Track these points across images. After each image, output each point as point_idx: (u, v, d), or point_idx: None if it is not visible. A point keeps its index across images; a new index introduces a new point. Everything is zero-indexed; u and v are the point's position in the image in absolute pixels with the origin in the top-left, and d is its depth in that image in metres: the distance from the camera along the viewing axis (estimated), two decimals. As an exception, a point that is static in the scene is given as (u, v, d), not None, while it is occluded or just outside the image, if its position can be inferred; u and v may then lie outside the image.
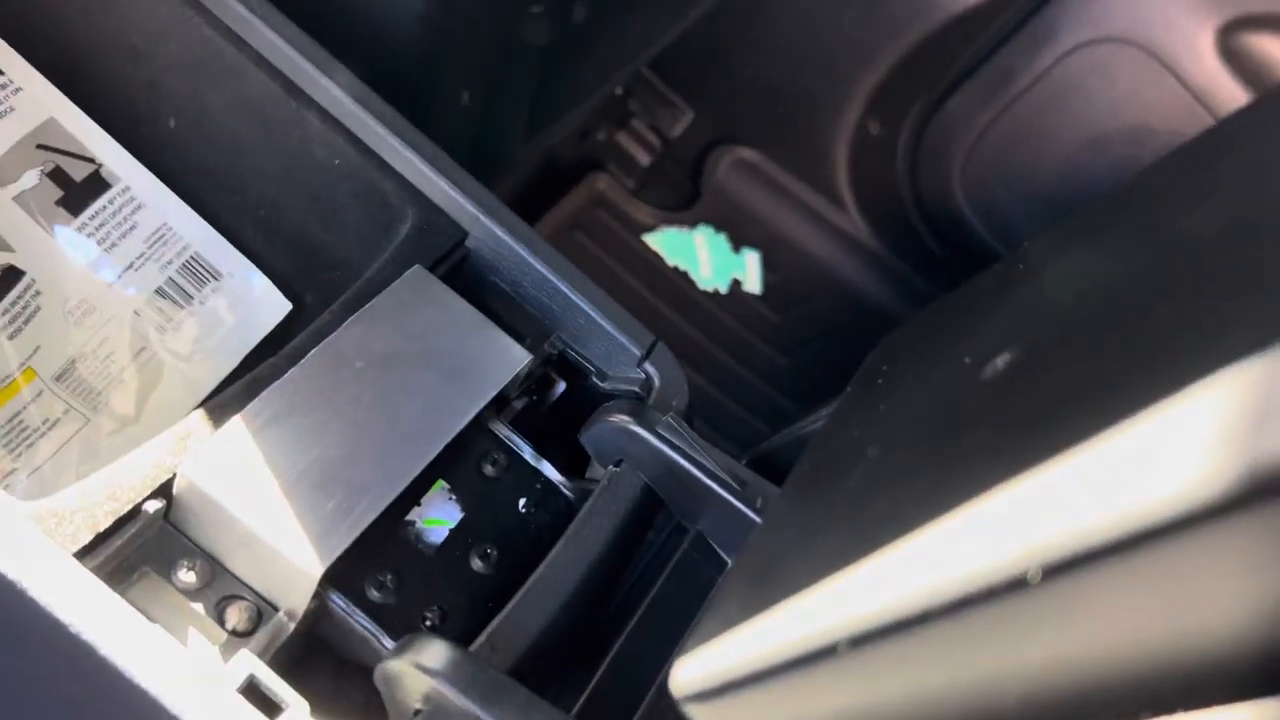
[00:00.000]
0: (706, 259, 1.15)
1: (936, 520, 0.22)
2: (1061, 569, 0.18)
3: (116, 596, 0.34)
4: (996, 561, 0.19)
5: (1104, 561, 0.18)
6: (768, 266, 1.17)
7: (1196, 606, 0.16)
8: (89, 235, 0.50)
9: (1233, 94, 0.90)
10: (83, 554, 0.37)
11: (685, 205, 1.17)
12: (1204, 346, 0.20)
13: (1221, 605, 0.16)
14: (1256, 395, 0.18)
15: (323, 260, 0.54)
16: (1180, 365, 0.20)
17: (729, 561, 0.46)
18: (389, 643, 0.41)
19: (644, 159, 1.17)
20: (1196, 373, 0.19)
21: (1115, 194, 0.37)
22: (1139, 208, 0.33)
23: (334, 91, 0.51)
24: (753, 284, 1.15)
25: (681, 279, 1.14)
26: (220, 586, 0.40)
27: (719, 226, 1.17)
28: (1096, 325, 0.27)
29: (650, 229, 1.15)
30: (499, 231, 0.51)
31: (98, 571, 0.36)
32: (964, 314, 0.37)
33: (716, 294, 1.14)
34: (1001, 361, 0.29)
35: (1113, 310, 0.27)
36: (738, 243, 1.17)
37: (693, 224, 1.16)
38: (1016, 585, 0.19)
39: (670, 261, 1.14)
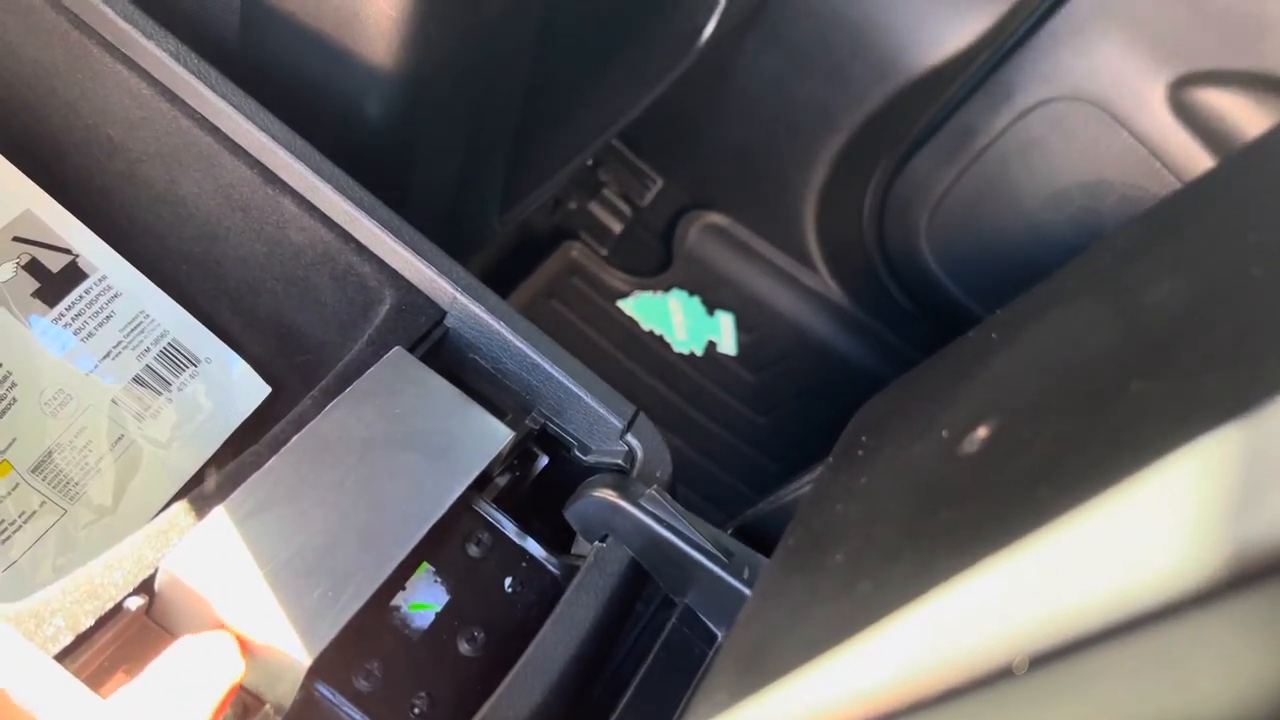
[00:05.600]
0: (681, 322, 1.15)
1: (921, 609, 0.22)
2: (1048, 659, 0.18)
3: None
4: (982, 652, 0.20)
5: (1091, 650, 0.18)
6: (742, 328, 1.18)
7: (1188, 694, 0.16)
8: (65, 326, 0.50)
9: (1185, 146, 0.93)
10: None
11: (658, 270, 1.18)
12: (1179, 425, 0.21)
13: (1213, 692, 0.16)
14: (1236, 471, 0.18)
15: (301, 343, 0.54)
16: (1158, 444, 0.20)
17: (718, 634, 0.46)
18: (377, 733, 0.40)
19: (616, 227, 1.18)
20: (1174, 453, 0.19)
21: (1082, 259, 0.38)
22: (1107, 276, 0.34)
23: (309, 176, 0.52)
24: (728, 346, 1.16)
25: (657, 343, 1.14)
26: (204, 682, 0.39)
27: (692, 290, 1.18)
28: (1072, 400, 0.27)
29: (624, 295, 1.16)
30: (477, 309, 0.51)
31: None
32: (939, 384, 0.38)
33: (692, 356, 1.14)
34: (979, 436, 0.29)
35: (1087, 384, 0.27)
36: (711, 305, 1.18)
37: (666, 288, 1.17)
38: (1004, 675, 0.19)
39: (645, 326, 1.14)
